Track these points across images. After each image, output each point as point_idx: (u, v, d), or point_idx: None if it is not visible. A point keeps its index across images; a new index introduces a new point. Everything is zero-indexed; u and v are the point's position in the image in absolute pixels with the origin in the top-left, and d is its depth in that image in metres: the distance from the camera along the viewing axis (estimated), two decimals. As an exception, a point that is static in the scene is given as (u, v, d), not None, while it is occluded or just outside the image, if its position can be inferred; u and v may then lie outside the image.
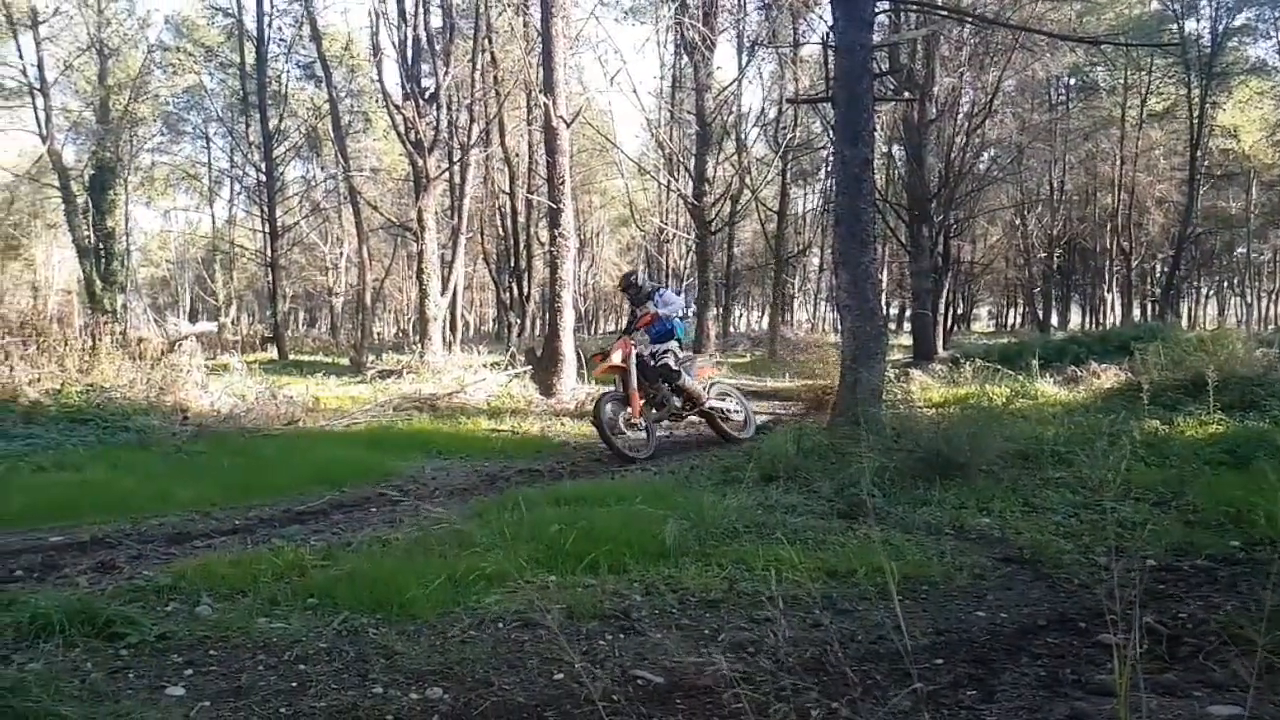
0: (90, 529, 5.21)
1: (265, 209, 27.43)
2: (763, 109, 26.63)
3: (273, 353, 24.87)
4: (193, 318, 30.57)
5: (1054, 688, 2.79)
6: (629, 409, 8.26)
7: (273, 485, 6.57)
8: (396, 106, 19.63)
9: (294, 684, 2.89)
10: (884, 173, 23.25)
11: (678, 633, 3.39)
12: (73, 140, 28.63)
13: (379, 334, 34.75)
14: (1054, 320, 35.61)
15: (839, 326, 9.54)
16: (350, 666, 3.03)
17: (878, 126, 11.87)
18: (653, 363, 8.44)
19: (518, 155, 25.26)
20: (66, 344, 11.15)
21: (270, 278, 28.02)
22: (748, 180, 23.05)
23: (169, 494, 6.12)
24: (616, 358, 8.46)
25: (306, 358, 23.79)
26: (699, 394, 8.59)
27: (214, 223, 38.28)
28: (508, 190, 25.98)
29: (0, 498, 5.67)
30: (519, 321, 25.69)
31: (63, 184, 25.88)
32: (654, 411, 8.58)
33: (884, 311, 15.27)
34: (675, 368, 8.45)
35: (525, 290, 25.83)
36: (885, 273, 28.06)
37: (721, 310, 29.52)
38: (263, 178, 27.44)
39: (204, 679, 2.92)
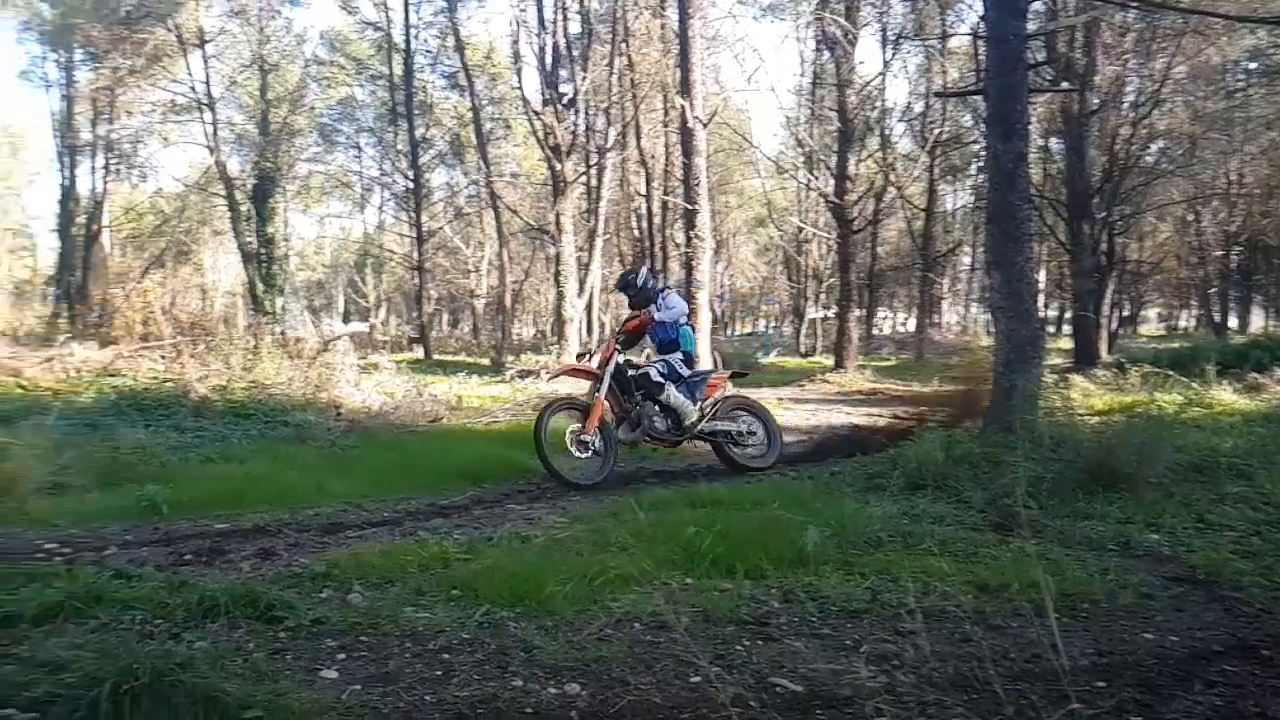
0: (253, 517, 5.58)
1: (412, 214, 28.69)
2: (908, 103, 25.92)
3: (418, 352, 25.97)
4: (345, 319, 32.30)
5: (1233, 720, 2.59)
6: (587, 423, 6.93)
7: (418, 480, 6.84)
8: (536, 112, 20.13)
9: (438, 672, 3.00)
10: (1040, 167, 22.12)
11: (817, 641, 3.34)
12: (237, 152, 30.76)
13: (518, 335, 35.71)
14: (1232, 323, 32.97)
15: (992, 329, 9.14)
16: (491, 658, 3.12)
17: (1033, 119, 11.34)
18: (630, 372, 7.26)
19: (654, 157, 25.43)
20: (232, 343, 11.98)
21: (417, 280, 29.28)
22: (892, 177, 22.43)
23: (324, 486, 6.47)
24: (595, 361, 7.53)
25: (449, 357, 24.71)
26: (687, 413, 7.30)
27: (365, 228, 40.46)
28: (644, 192, 26.20)
29: (174, 487, 6.13)
30: (654, 323, 25.83)
31: (228, 193, 27.90)
32: (632, 432, 7.26)
33: (1041, 313, 14.53)
34: (658, 379, 7.21)
35: (659, 292, 25.93)
36: (1043, 272, 26.76)
37: (865, 312, 28.86)
38: (410, 184, 28.72)
39: (355, 663, 3.07)
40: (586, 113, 21.69)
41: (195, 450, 7.92)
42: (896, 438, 8.81)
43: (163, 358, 12.91)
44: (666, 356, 7.44)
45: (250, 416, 9.69)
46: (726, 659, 3.13)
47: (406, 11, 27.97)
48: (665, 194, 23.48)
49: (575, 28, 21.65)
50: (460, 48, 24.66)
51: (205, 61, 27.37)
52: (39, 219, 38.58)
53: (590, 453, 6.83)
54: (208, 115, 27.46)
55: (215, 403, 10.01)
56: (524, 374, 15.66)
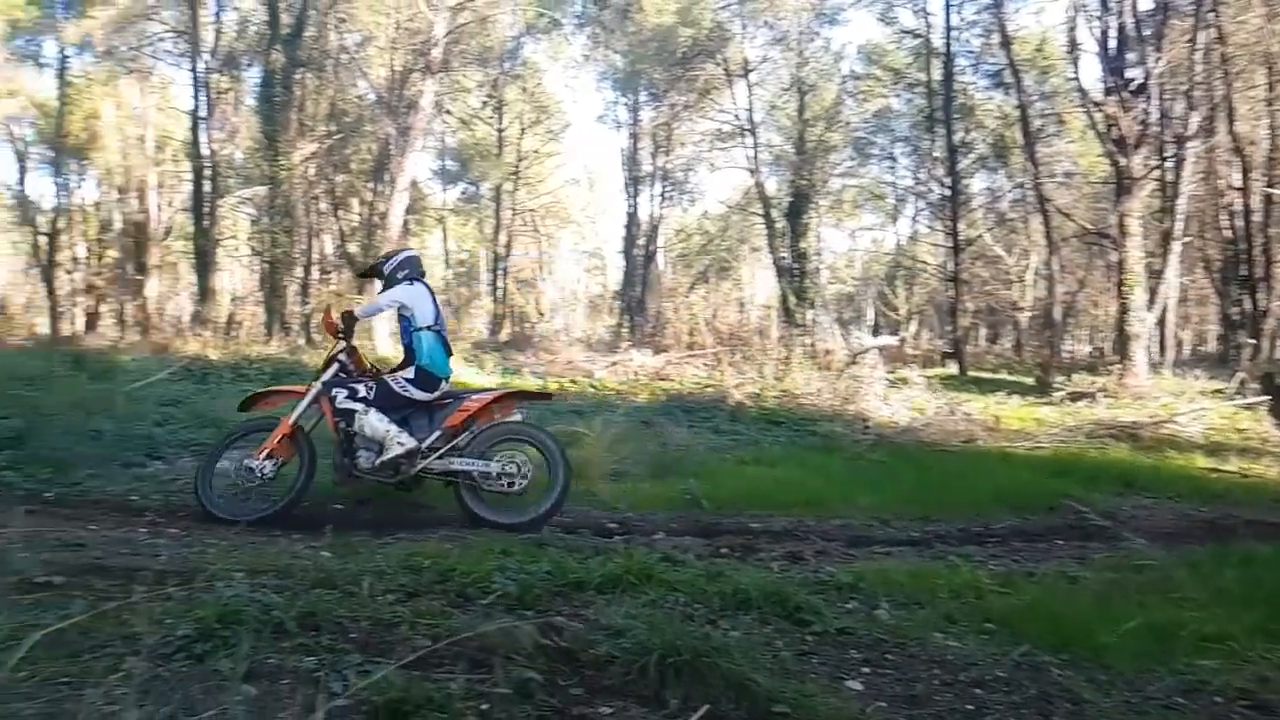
0: (782, 520, 5.96)
1: (948, 223, 28.31)
2: None
3: (951, 368, 25.48)
4: (874, 332, 32.84)
5: None
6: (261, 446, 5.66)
7: (949, 502, 6.70)
8: (1096, 103, 18.69)
9: (969, 706, 2.90)
10: None
11: None
12: (775, 172, 33.21)
13: (1069, 352, 33.24)
14: None
15: None
16: (1030, 703, 2.96)
17: None
18: (334, 391, 5.80)
19: (1253, 143, 21.97)
20: (765, 353, 13.03)
21: (951, 292, 28.81)
22: None
23: (850, 497, 6.66)
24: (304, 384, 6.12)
25: (986, 375, 23.92)
26: (389, 447, 5.59)
27: (897, 239, 40.96)
28: (1239, 185, 22.74)
29: (712, 483, 6.79)
30: (1251, 342, 22.17)
31: (765, 211, 30.39)
32: (340, 467, 5.76)
33: None
34: (346, 404, 5.71)
35: (1261, 304, 22.21)
36: None
37: None
38: (946, 192, 28.37)
39: (880, 679, 3.09)
40: (1160, 98, 19.40)
41: (731, 451, 8.72)
42: None
43: (705, 365, 14.51)
44: (390, 374, 5.90)
45: (780, 423, 10.48)
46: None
47: (947, 14, 27.79)
48: (1270, 185, 20.11)
49: (1145, 3, 19.58)
50: (1006, 43, 23.81)
51: (749, 89, 30.20)
52: (608, 242, 45.76)
53: (256, 482, 5.57)
54: (749, 140, 30.25)
55: (749, 408, 11.02)
56: (1075, 396, 14.48)
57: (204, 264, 24.24)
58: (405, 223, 25.97)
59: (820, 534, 5.63)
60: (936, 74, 28.65)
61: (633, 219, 34.21)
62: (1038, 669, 3.24)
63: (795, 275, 29.42)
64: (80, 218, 32.01)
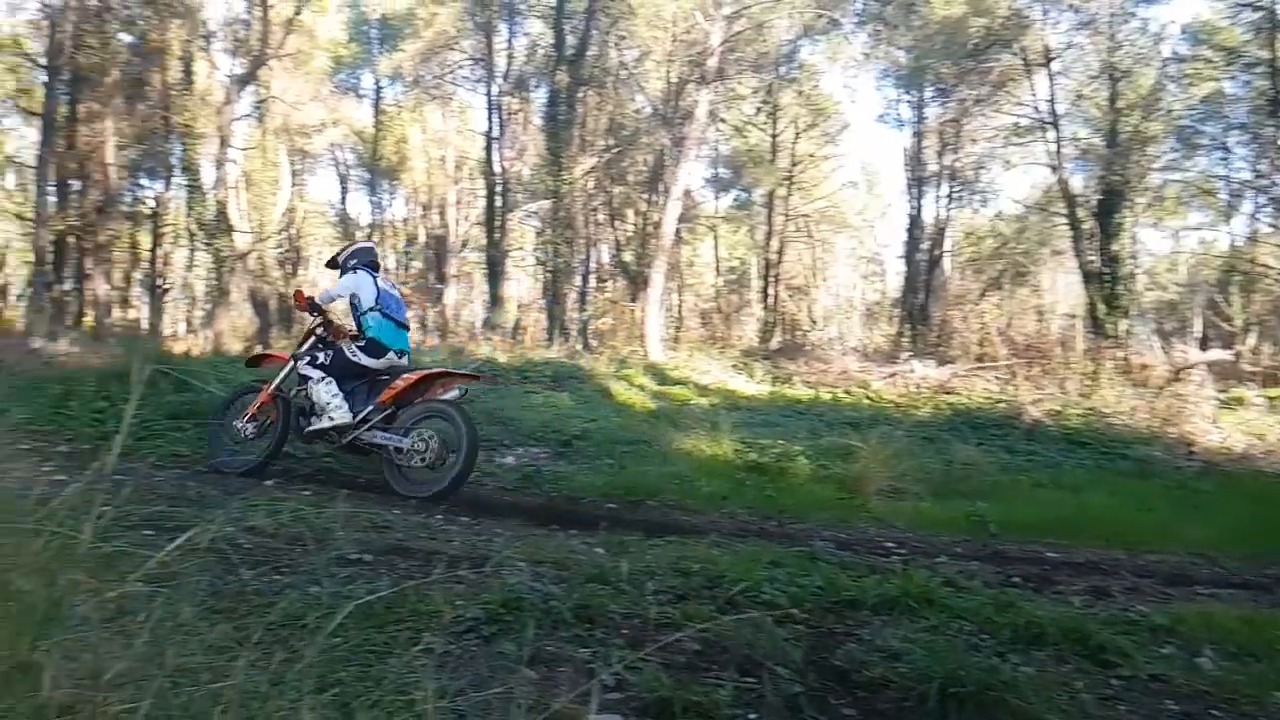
0: (1085, 551, 5.54)
1: (1295, 220, 25.19)
2: None
3: (1308, 388, 22.64)
4: (1203, 344, 29.67)
5: None
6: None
7: (1300, 541, 5.93)
8: None
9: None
10: None
11: None
12: (1080, 168, 30.84)
13: None
14: None
15: None
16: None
17: None
18: (298, 359, 6.80)
19: None
20: (1068, 367, 12.16)
21: (1301, 300, 25.60)
22: None
23: (1169, 530, 6.12)
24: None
25: (1352, 396, 21.03)
26: (323, 414, 6.45)
27: (1231, 240, 36.79)
28: None
29: (1003, 506, 6.41)
30: None
31: (1069, 211, 28.27)
32: (301, 421, 6.64)
33: None
34: (305, 370, 6.63)
35: None
36: None
37: None
38: (1293, 185, 25.26)
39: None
40: None
41: (1025, 473, 8.23)
42: None
43: (997, 378, 13.75)
44: (346, 344, 6.66)
45: (1085, 445, 9.78)
46: None
47: (1297, -26, 24.72)
48: None
49: None
50: (1376, 5, 20.81)
51: (1050, 79, 28.27)
52: (888, 246, 44.41)
53: (240, 440, 6.61)
54: (1050, 134, 28.33)
55: (1049, 427, 10.33)
56: None
57: (494, 273, 26.36)
58: (678, 231, 26.73)
59: (1131, 569, 5.16)
60: (1282, 51, 25.66)
61: (916, 222, 33.10)
62: None
63: (1105, 281, 27.29)
64: (391, 232, 35.89)
